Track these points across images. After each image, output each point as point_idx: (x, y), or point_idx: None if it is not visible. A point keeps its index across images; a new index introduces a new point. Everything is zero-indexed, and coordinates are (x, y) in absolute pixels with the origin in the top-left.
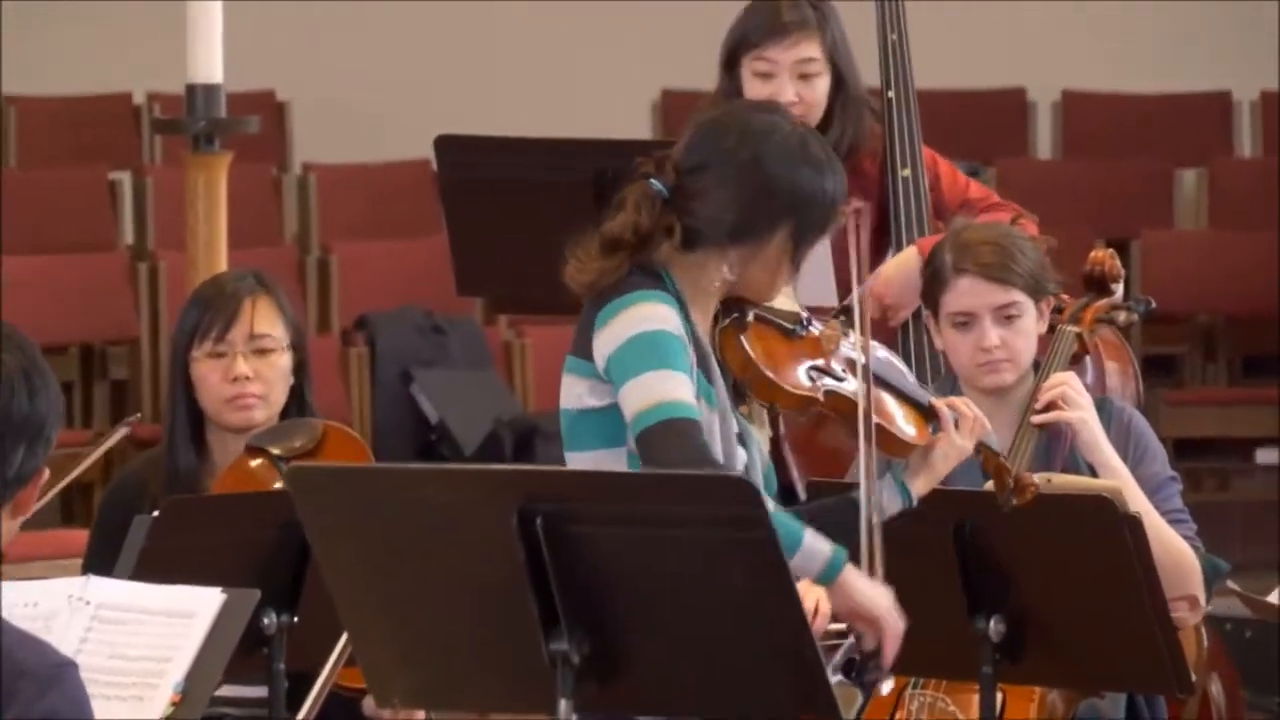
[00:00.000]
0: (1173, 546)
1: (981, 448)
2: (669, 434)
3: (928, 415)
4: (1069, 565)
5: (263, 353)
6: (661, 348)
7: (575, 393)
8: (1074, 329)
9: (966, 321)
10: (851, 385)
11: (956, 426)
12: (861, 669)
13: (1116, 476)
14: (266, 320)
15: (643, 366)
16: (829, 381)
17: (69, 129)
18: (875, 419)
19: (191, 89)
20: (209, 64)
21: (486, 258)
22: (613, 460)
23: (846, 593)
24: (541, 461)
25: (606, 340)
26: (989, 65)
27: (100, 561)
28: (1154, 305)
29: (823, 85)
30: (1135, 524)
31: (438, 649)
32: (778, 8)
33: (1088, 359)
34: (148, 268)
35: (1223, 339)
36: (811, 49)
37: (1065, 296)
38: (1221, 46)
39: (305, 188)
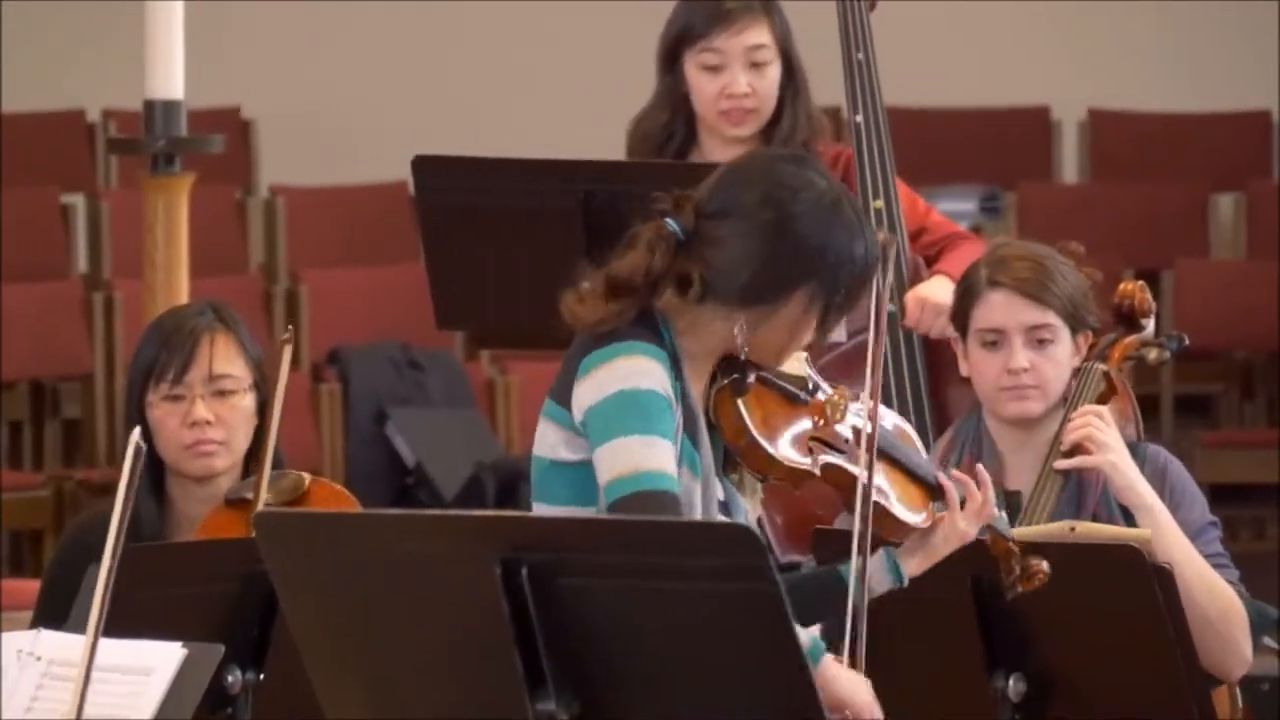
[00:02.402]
0: (1221, 594)
1: (988, 531)
2: (644, 506)
3: (933, 492)
4: (1094, 620)
5: (223, 394)
6: (645, 409)
7: (550, 442)
8: (1101, 367)
9: (996, 340)
10: (853, 460)
11: (963, 506)
12: None
13: (1155, 519)
14: (226, 359)
15: (623, 429)
16: (828, 455)
17: (18, 148)
18: (876, 496)
19: (150, 105)
20: (169, 79)
21: (468, 288)
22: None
23: (823, 684)
24: (526, 508)
25: (587, 392)
26: (1010, 81)
27: (51, 614)
28: (1187, 341)
29: (774, 74)
30: (1166, 576)
31: (414, 709)
32: None
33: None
34: (103, 297)
35: (1261, 377)
36: (761, 35)
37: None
38: (1259, 63)
39: (272, 212)
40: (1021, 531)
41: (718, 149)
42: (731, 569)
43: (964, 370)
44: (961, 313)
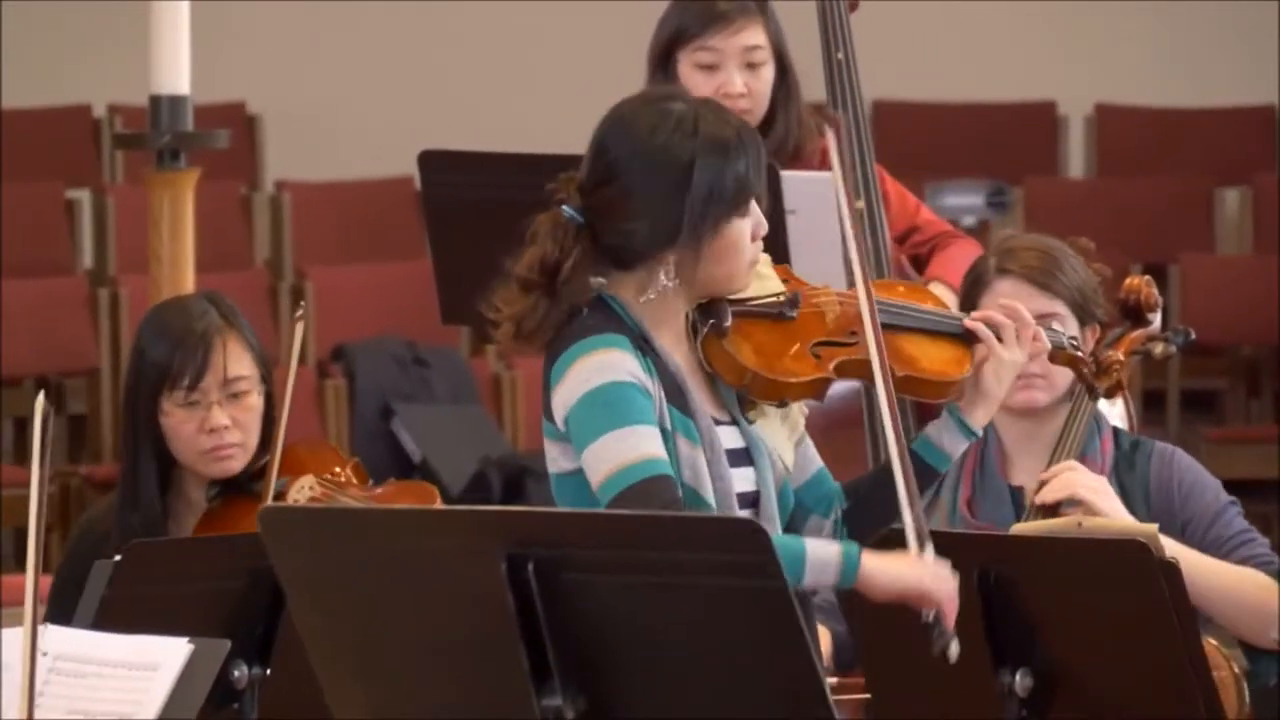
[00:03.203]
0: (1258, 579)
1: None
2: (636, 498)
3: (965, 340)
4: (1101, 615)
5: (236, 396)
6: (614, 403)
7: (552, 456)
8: (1093, 406)
9: None
10: (863, 347)
11: (1001, 340)
12: (931, 643)
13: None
14: (238, 361)
15: (599, 428)
16: (837, 352)
17: (23, 143)
18: (900, 370)
19: (156, 101)
20: (175, 74)
21: (474, 283)
22: None
23: (876, 587)
24: (532, 503)
25: (562, 399)
26: (1016, 77)
27: (59, 610)
28: (1193, 336)
29: (768, 75)
30: (1172, 571)
31: (420, 704)
32: None
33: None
34: (108, 293)
35: (1267, 373)
36: (757, 36)
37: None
38: (1265, 58)
39: (278, 207)
40: (1028, 526)
41: None
42: (738, 564)
43: None
44: (970, 302)
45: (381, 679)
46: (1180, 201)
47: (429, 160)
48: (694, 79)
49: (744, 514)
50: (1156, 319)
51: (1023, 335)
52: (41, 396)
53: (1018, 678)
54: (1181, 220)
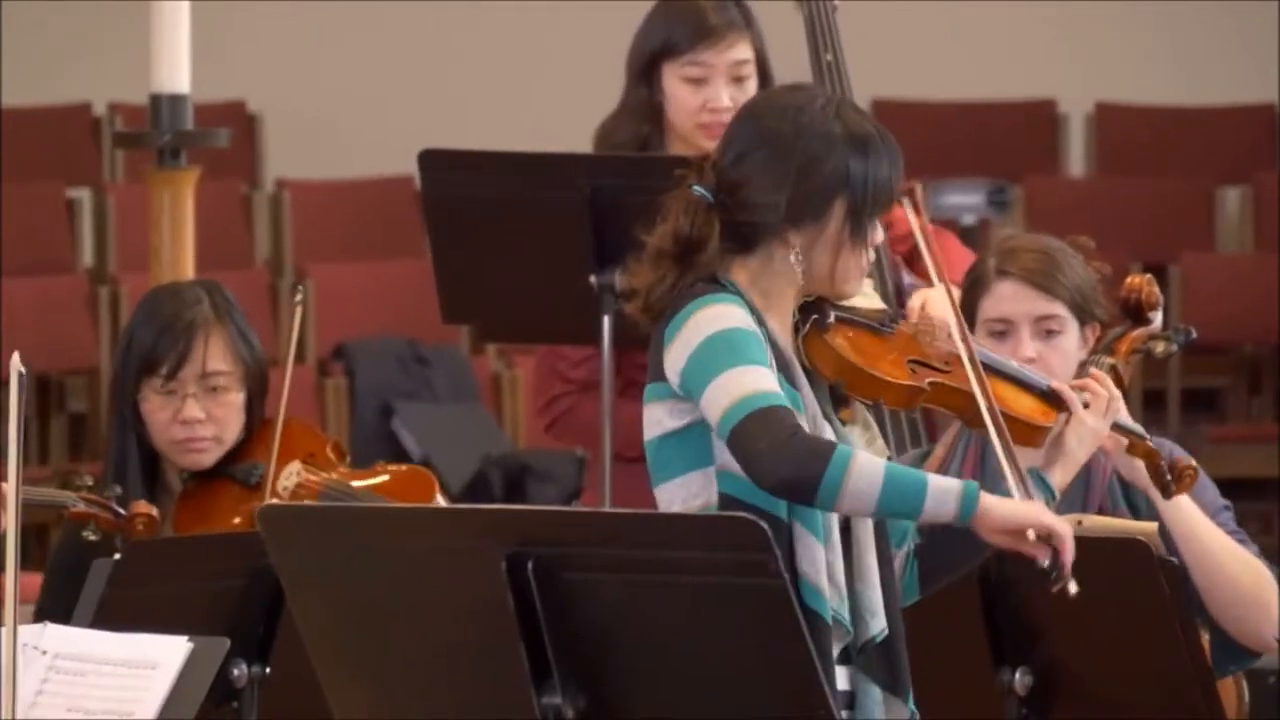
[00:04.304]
0: (1253, 564)
1: (1121, 431)
2: (757, 423)
3: (1051, 401)
4: (1102, 614)
5: (215, 390)
6: (734, 344)
7: (654, 419)
8: (1109, 360)
9: (1004, 330)
10: (957, 378)
11: (1087, 408)
12: (1049, 584)
13: (1176, 502)
14: (218, 357)
15: (718, 368)
16: (932, 375)
17: (23, 142)
18: (995, 405)
19: (156, 99)
20: (175, 73)
21: (474, 282)
22: (702, 482)
23: (995, 520)
24: (533, 502)
25: (677, 354)
26: (1017, 75)
27: (52, 601)
28: (1194, 335)
29: (753, 88)
30: (1173, 570)
31: (419, 702)
32: (700, 9)
33: None
34: (108, 292)
35: (1268, 371)
36: (744, 50)
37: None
38: (1265, 56)
39: (278, 206)
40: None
41: None
42: (738, 563)
43: None
44: (969, 303)
45: (381, 677)
46: (1181, 200)
47: (429, 159)
48: (680, 92)
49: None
50: (1157, 318)
51: (1111, 408)
52: (16, 357)
53: (1018, 676)
54: (1182, 219)
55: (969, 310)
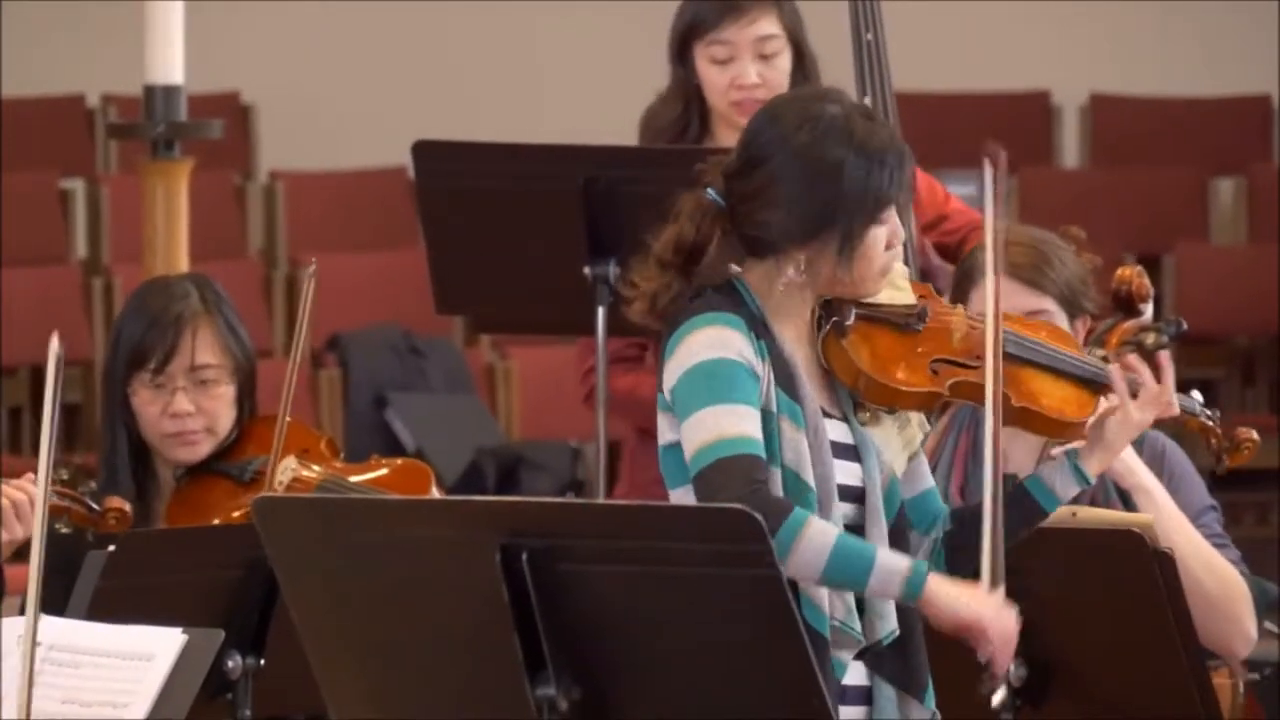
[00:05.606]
0: (1221, 571)
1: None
2: (722, 473)
3: (1095, 388)
4: (1096, 606)
5: (205, 384)
6: (718, 378)
7: (661, 428)
8: (1100, 353)
9: None
10: (984, 369)
11: (1135, 396)
12: (980, 682)
13: (1154, 500)
14: (208, 349)
15: (699, 402)
16: (958, 373)
17: (17, 133)
18: (1018, 401)
19: (150, 91)
20: (169, 64)
21: (468, 273)
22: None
23: (938, 606)
24: (527, 494)
25: (671, 372)
26: (1010, 66)
27: (50, 599)
28: (1186, 326)
29: (784, 64)
30: (1167, 561)
31: (414, 694)
32: None
33: None
34: (102, 283)
35: (1262, 362)
36: (770, 25)
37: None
38: (1260, 47)
39: (272, 197)
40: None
41: (732, 139)
42: (731, 554)
43: None
44: (960, 296)
45: (376, 669)
46: (1175, 191)
47: (423, 150)
48: (710, 73)
49: (847, 507)
50: (1148, 309)
51: (1160, 401)
52: (55, 338)
53: (1012, 668)
54: (1177, 210)
55: (960, 302)
